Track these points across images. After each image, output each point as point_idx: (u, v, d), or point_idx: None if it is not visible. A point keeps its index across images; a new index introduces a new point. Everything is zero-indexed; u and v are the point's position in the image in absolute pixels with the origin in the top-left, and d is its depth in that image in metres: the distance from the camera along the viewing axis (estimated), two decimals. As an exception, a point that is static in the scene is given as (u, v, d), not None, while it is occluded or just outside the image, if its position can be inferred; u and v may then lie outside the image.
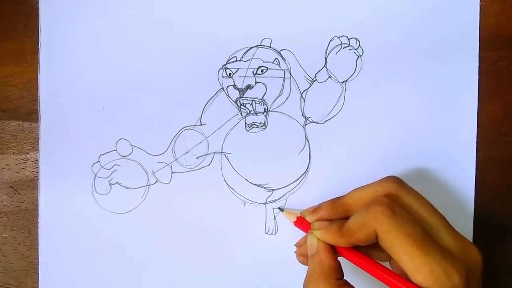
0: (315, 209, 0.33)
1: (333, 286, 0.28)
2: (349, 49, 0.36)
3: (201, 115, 0.36)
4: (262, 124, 0.36)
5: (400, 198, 0.30)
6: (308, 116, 0.36)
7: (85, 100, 0.36)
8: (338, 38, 0.36)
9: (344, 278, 0.30)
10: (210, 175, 0.36)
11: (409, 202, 0.29)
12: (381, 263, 0.29)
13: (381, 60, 0.36)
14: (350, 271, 0.31)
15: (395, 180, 0.31)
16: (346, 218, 0.30)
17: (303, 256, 0.33)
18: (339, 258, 0.30)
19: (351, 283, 0.29)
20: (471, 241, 0.34)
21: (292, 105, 0.36)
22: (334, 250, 0.30)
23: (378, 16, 0.36)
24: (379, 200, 0.28)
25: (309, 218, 0.33)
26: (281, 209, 0.36)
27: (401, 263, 0.27)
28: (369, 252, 0.30)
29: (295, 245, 0.34)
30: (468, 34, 0.36)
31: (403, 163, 0.35)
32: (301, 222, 0.33)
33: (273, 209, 0.36)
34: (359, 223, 0.28)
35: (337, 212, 0.32)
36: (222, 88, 0.36)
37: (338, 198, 0.32)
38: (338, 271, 0.30)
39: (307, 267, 0.31)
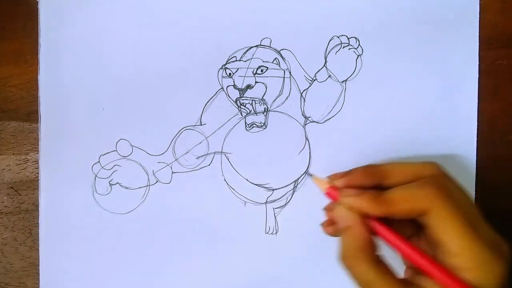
0: (346, 173, 0.31)
1: (374, 262, 0.27)
2: (349, 49, 0.36)
3: (201, 115, 0.36)
4: (262, 124, 0.36)
5: (445, 182, 0.29)
6: (308, 116, 0.36)
7: (85, 100, 0.36)
8: (338, 37, 0.36)
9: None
10: (210, 175, 0.36)
11: (452, 188, 0.29)
12: None
13: (381, 60, 0.36)
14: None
15: (438, 165, 0.30)
16: (378, 186, 0.29)
17: (331, 227, 0.31)
18: None
19: None
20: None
21: (292, 104, 0.36)
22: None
23: (377, 15, 0.36)
24: (436, 180, 0.28)
25: (338, 182, 0.30)
26: (310, 175, 0.35)
27: (446, 243, 0.27)
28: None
29: (324, 209, 0.32)
30: (468, 33, 0.36)
31: (403, 162, 0.35)
32: (332, 192, 0.31)
33: (308, 174, 0.35)
34: (409, 196, 0.28)
35: (371, 178, 0.30)
36: (222, 88, 0.36)
37: (373, 164, 0.31)
38: (375, 245, 0.28)
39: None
